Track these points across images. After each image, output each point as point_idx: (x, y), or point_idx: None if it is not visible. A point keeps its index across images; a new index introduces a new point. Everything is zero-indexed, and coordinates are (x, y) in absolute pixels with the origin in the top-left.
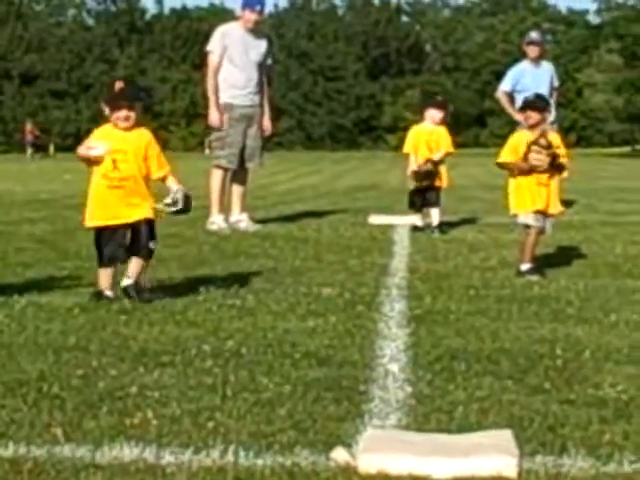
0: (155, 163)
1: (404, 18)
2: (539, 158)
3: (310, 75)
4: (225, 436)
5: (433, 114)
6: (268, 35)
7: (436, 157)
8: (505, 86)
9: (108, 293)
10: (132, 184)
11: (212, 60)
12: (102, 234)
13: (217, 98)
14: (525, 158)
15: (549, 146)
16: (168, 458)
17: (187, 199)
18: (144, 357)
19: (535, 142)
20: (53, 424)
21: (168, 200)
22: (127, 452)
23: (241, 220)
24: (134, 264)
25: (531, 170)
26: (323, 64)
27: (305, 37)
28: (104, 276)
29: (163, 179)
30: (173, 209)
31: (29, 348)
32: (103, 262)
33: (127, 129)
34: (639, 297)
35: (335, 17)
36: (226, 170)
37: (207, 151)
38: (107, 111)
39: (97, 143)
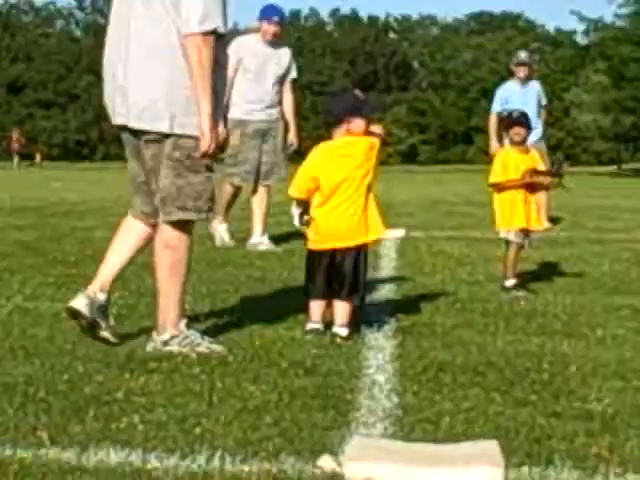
0: None
1: (392, 35)
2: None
3: (298, 90)
4: (211, 442)
5: None
6: (289, 47)
7: None
8: (496, 107)
9: None
10: None
11: None
12: None
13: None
14: (523, 177)
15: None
16: (154, 463)
17: None
18: (130, 363)
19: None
20: (39, 427)
21: None
22: (113, 456)
23: (262, 242)
24: None
25: (527, 185)
26: (311, 79)
27: (293, 53)
28: None
29: None
30: None
31: (15, 352)
32: None
33: None
34: (625, 313)
35: (323, 33)
36: (239, 188)
37: None
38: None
39: None
